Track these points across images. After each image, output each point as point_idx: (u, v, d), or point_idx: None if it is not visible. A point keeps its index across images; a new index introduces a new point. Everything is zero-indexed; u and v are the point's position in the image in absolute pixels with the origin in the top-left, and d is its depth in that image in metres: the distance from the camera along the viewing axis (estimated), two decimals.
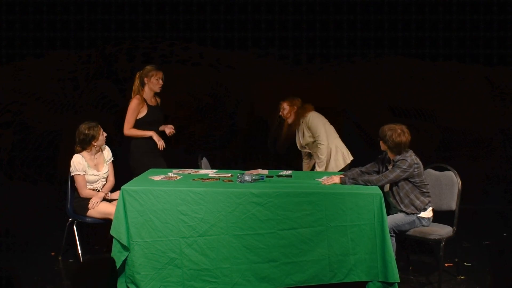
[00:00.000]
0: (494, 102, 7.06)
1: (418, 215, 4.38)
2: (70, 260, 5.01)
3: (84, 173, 4.79)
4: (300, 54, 7.10)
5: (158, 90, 5.26)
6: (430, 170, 4.74)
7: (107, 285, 2.91)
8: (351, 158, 5.39)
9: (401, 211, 4.40)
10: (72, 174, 4.81)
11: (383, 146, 4.44)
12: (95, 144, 4.83)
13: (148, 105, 5.23)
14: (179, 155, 6.91)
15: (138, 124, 5.19)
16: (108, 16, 6.93)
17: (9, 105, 7.08)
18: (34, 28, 6.92)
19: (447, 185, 4.59)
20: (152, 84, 5.21)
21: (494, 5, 6.77)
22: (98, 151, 4.93)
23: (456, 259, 4.72)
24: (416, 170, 4.33)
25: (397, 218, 4.37)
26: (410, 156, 4.33)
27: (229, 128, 7.24)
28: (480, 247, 5.47)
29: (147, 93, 5.24)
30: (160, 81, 5.23)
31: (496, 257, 5.17)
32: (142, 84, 5.23)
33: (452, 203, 4.55)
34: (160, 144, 5.20)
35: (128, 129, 5.17)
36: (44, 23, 6.93)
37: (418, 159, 4.38)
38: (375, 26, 6.91)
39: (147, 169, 4.96)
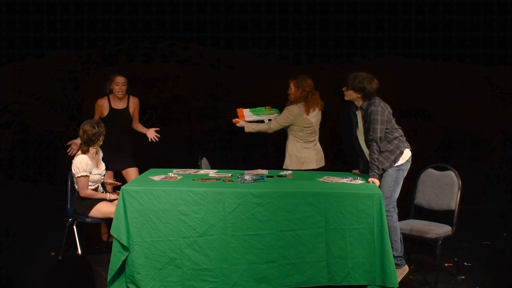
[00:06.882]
0: (494, 102, 7.06)
1: (397, 163, 4.35)
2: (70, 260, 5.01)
3: (89, 174, 4.76)
4: (300, 54, 7.09)
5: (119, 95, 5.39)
6: (430, 170, 4.74)
7: None
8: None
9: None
10: (76, 176, 4.73)
11: (352, 95, 4.41)
12: (101, 141, 4.81)
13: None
14: (179, 155, 6.91)
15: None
16: (108, 16, 6.92)
17: (9, 105, 7.07)
18: (34, 28, 6.91)
19: (447, 184, 4.60)
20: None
21: (494, 5, 6.77)
22: (96, 150, 4.92)
23: (456, 259, 4.73)
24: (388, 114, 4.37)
25: (385, 191, 4.32)
26: (379, 104, 4.34)
27: (229, 128, 7.23)
28: (480, 247, 5.47)
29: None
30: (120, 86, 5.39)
31: (496, 257, 5.17)
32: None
33: (452, 203, 4.55)
34: None
35: None
36: (44, 23, 6.92)
37: (382, 102, 4.39)
38: (375, 26, 6.90)
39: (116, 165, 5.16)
